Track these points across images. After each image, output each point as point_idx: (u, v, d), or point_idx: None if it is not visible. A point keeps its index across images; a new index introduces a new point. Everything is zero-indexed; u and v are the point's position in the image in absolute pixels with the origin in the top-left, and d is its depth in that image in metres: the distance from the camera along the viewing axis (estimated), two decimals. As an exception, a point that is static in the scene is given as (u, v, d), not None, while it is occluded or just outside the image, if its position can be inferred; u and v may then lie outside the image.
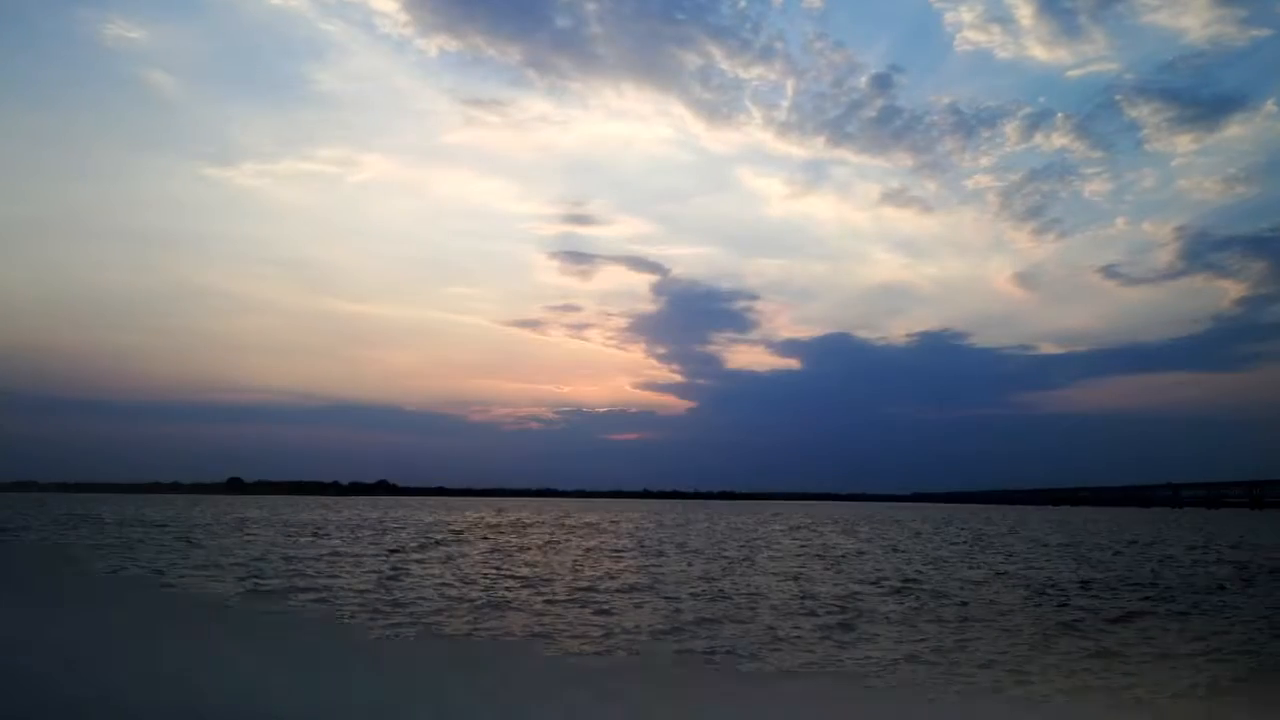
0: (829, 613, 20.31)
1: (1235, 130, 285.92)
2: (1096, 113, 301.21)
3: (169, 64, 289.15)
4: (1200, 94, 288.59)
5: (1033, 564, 36.01)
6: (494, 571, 29.47)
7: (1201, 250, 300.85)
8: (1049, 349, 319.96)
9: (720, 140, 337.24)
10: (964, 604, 22.22)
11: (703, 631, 17.41)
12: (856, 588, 25.81)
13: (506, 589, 24.31)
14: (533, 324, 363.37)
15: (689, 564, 33.81)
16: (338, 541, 45.16)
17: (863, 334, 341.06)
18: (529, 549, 41.74)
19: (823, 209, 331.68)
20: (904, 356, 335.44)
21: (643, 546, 44.91)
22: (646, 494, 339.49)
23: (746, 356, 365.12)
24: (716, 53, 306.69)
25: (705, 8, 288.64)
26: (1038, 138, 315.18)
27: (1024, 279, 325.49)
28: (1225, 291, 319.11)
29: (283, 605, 20.18)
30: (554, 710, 10.10)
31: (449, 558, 35.50)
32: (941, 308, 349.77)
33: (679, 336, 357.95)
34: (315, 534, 52.12)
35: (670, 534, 59.23)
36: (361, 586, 24.31)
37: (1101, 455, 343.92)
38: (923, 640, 16.81)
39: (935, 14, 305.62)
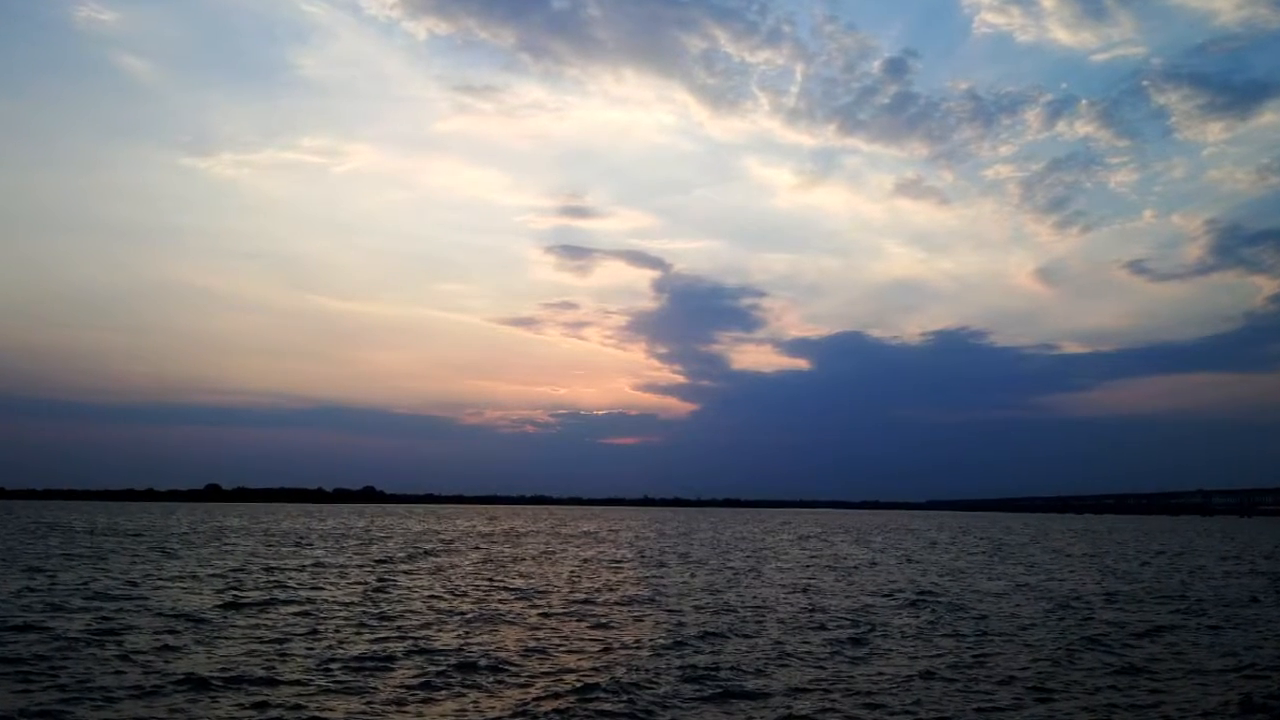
0: (840, 627, 20.35)
1: (1269, 118, 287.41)
2: (1123, 99, 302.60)
3: (143, 48, 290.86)
4: (1232, 80, 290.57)
5: (1055, 575, 36.06)
6: (486, 583, 29.52)
7: (1233, 244, 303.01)
8: (1072, 348, 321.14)
9: (725, 128, 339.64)
10: (983, 617, 22.26)
11: (706, 646, 17.40)
12: (869, 600, 25.86)
13: (500, 601, 24.35)
14: (527, 322, 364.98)
15: (692, 575, 33.85)
16: (321, 551, 45.26)
17: (875, 332, 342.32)
18: (523, 559, 41.79)
19: (833, 201, 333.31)
20: (919, 356, 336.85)
21: (643, 557, 44.96)
22: (647, 501, 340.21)
23: (753, 356, 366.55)
24: (721, 36, 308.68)
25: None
26: (1060, 125, 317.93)
27: (1046, 274, 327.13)
28: (1258, 288, 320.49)
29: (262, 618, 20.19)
30: None
31: (439, 569, 35.56)
32: (959, 305, 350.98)
33: (681, 335, 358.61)
34: (298, 543, 52.24)
35: (672, 543, 59.34)
36: (347, 599, 24.36)
37: (1127, 460, 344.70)
38: (939, 656, 16.80)
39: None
